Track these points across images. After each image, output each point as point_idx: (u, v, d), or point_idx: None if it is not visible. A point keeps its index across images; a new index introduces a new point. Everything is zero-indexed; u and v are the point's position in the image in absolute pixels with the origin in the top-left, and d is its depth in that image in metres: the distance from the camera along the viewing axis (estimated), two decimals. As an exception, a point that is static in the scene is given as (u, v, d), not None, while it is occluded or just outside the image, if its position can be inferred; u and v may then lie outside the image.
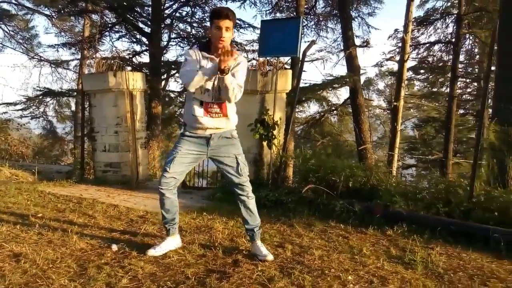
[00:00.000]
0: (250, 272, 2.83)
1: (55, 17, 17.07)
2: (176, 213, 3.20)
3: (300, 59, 6.02)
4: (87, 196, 5.43)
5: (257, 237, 3.18)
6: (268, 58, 6.07)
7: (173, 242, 3.25)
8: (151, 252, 3.10)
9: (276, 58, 6.06)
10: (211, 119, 2.97)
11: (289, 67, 9.34)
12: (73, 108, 19.67)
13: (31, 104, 16.43)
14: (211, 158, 3.13)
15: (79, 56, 17.32)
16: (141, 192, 6.09)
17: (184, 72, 2.88)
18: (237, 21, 12.35)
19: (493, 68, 6.34)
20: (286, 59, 9.52)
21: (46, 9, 16.69)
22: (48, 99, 16.50)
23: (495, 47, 6.52)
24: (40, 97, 15.48)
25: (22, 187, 5.93)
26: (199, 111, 2.94)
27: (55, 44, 13.47)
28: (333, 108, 12.86)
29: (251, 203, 3.13)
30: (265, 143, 5.84)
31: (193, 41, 13.30)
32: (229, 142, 3.10)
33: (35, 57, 17.97)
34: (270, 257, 3.06)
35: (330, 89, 12.31)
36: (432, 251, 3.42)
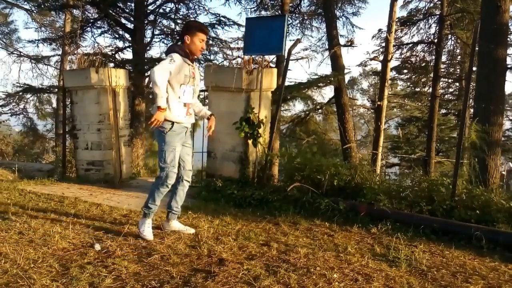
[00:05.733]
0: (235, 271, 2.82)
1: (35, 11, 16.67)
2: None
3: (285, 57, 6.02)
4: (69, 195, 5.33)
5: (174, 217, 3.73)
6: (253, 56, 6.06)
7: None
8: None
9: (261, 56, 6.04)
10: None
11: (274, 66, 9.33)
12: (54, 105, 19.29)
13: (11, 101, 16.01)
14: None
15: (60, 52, 16.99)
16: (124, 190, 6.01)
17: (163, 71, 3.20)
18: (222, 18, 12.35)
19: (474, 68, 6.46)
20: (271, 57, 9.53)
21: (25, 3, 16.24)
22: (29, 95, 16.10)
23: (476, 48, 6.65)
24: (20, 93, 15.08)
25: (1, 185, 5.78)
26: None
27: (35, 39, 13.11)
28: (318, 107, 12.93)
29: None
30: (250, 142, 5.82)
31: (177, 38, 13.16)
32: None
33: (14, 52, 17.54)
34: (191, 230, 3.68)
35: (315, 88, 12.37)
36: (416, 249, 3.47)
